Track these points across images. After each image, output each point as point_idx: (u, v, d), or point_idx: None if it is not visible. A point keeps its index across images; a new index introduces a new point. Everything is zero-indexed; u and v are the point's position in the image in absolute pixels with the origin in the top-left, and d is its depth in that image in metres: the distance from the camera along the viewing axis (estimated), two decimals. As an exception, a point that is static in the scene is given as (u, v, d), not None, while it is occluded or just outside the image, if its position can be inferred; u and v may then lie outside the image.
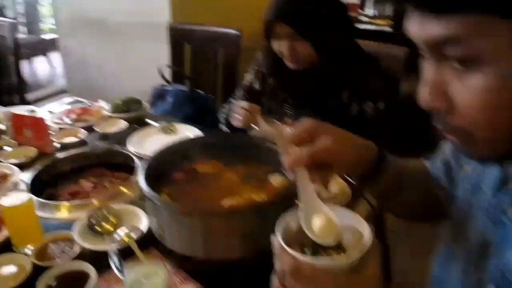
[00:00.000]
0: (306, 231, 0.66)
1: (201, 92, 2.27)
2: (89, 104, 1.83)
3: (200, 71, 2.40)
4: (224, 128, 1.67)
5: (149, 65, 2.96)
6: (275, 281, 0.66)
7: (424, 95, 0.56)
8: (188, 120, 1.97)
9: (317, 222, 0.67)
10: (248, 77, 1.73)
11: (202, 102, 2.25)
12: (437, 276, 0.85)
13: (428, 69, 0.56)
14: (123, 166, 1.49)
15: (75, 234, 1.06)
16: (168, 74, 2.40)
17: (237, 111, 1.49)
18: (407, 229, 1.55)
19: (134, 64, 3.09)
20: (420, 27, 0.53)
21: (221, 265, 0.95)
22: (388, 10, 4.34)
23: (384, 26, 3.76)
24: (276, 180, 1.06)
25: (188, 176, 1.10)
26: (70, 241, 1.06)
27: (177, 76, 2.43)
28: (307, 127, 0.74)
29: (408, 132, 1.81)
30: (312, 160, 0.71)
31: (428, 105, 0.56)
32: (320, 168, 0.73)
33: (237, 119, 1.49)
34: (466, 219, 0.75)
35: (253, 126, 1.45)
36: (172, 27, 2.44)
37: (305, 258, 0.62)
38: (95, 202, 1.20)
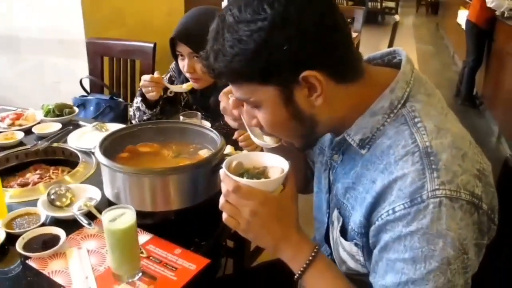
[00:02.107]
0: (244, 164, 0.95)
1: (121, 99, 2.50)
2: (21, 110, 1.98)
3: (118, 82, 2.62)
4: (137, 104, 1.88)
5: (64, 79, 3.12)
6: (221, 199, 0.89)
7: (245, 118, 0.97)
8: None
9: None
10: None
11: (123, 108, 2.48)
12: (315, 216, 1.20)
13: (244, 104, 0.93)
14: (63, 161, 1.69)
15: (38, 206, 1.27)
16: (87, 85, 2.59)
17: (145, 84, 1.73)
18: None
19: (50, 79, 3.20)
20: (231, 89, 0.92)
21: (166, 216, 1.23)
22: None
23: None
24: (204, 153, 1.36)
25: (132, 155, 1.36)
26: (34, 215, 1.26)
27: (97, 87, 2.63)
28: None
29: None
30: None
31: (248, 124, 0.97)
32: None
33: (150, 92, 1.73)
34: (317, 173, 1.12)
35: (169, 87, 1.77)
36: (90, 42, 2.64)
37: (243, 179, 0.89)
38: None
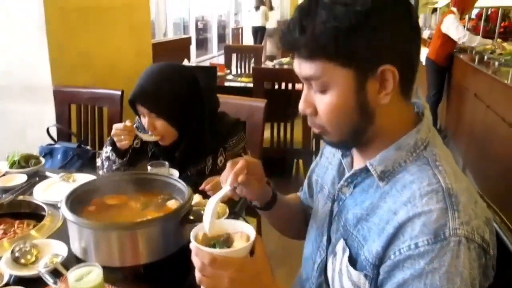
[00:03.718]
0: (208, 232, 0.98)
1: (89, 147, 2.48)
2: (-16, 163, 1.95)
3: (86, 129, 2.61)
4: (106, 153, 1.88)
5: (30, 127, 3.08)
6: (197, 274, 0.88)
7: (301, 106, 0.94)
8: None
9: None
10: None
11: (91, 156, 2.46)
12: (303, 253, 1.23)
13: (304, 90, 0.94)
14: (29, 215, 1.66)
15: (1, 265, 1.24)
16: (54, 133, 2.57)
17: (117, 133, 1.74)
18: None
19: (14, 126, 3.15)
20: (298, 66, 0.91)
21: (134, 270, 1.22)
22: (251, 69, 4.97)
23: (247, 82, 4.31)
24: (172, 204, 1.36)
25: (99, 208, 1.35)
26: (-3, 274, 1.23)
27: (64, 134, 2.61)
28: (248, 160, 1.09)
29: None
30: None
31: (303, 112, 0.94)
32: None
33: (123, 141, 1.73)
34: (316, 209, 1.17)
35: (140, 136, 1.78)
36: (56, 90, 2.64)
37: (217, 250, 0.91)
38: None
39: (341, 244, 1.00)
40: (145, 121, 1.73)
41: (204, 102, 1.77)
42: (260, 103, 2.25)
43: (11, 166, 1.90)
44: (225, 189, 1.05)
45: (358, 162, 1.03)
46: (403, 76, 0.88)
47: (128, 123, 1.75)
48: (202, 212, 1.27)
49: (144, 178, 1.46)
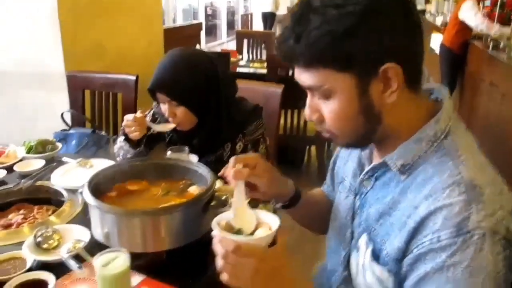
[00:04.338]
0: (234, 224, 0.97)
1: (104, 133, 2.47)
2: (1, 147, 1.94)
3: (100, 115, 2.60)
4: (120, 142, 1.87)
5: (43, 114, 3.07)
6: (220, 261, 0.89)
7: (306, 113, 0.94)
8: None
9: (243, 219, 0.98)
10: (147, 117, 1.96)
11: (106, 142, 2.45)
12: (327, 246, 1.21)
13: (308, 97, 0.93)
14: (48, 200, 1.65)
15: (24, 250, 1.23)
16: (68, 119, 2.56)
17: (128, 124, 1.72)
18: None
19: (26, 113, 3.15)
20: (298, 76, 0.90)
21: (157, 256, 1.20)
22: (264, 55, 4.93)
23: (259, 68, 4.28)
24: (194, 190, 1.34)
25: (120, 194, 1.34)
26: (19, 259, 1.22)
27: (78, 121, 2.60)
28: (254, 157, 1.10)
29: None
30: (248, 179, 1.05)
31: (309, 119, 0.95)
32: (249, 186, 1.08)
33: (133, 132, 1.71)
34: (339, 201, 1.15)
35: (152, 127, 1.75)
36: (70, 75, 2.62)
37: (240, 237, 0.91)
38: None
39: (364, 238, 0.99)
40: (164, 108, 1.72)
41: (222, 88, 1.74)
42: (277, 89, 2.22)
43: (28, 152, 1.89)
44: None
45: (377, 156, 1.02)
46: (408, 71, 0.85)
47: (139, 114, 1.73)
48: (222, 198, 1.28)
49: (165, 164, 1.44)
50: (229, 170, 1.06)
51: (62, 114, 2.46)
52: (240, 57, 4.94)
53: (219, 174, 1.57)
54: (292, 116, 3.58)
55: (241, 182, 1.04)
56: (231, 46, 5.79)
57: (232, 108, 1.78)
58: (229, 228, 0.97)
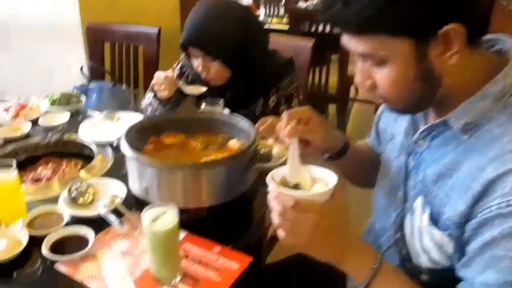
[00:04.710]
0: (290, 180, 0.90)
1: (124, 86, 2.39)
2: (24, 100, 1.87)
3: (121, 68, 2.51)
4: (149, 99, 1.79)
5: (59, 68, 2.99)
6: (276, 218, 0.84)
7: (357, 79, 0.88)
8: None
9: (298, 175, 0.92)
10: (174, 71, 1.87)
11: (127, 95, 2.38)
12: (374, 204, 1.15)
13: (359, 62, 0.86)
14: (75, 155, 1.60)
15: (60, 205, 1.17)
16: (87, 73, 2.47)
17: (159, 81, 1.64)
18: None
19: (42, 67, 3.06)
20: (347, 43, 0.82)
21: (198, 213, 1.15)
22: (281, 10, 4.75)
23: (279, 24, 4.12)
24: (234, 144, 1.27)
25: (157, 147, 1.27)
26: (55, 214, 1.17)
27: (97, 74, 2.51)
28: (307, 111, 1.03)
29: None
30: (303, 135, 1.00)
31: (360, 86, 0.88)
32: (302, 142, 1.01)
33: (163, 91, 1.64)
34: (388, 159, 1.08)
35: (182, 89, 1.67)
36: (89, 27, 2.52)
37: (299, 192, 0.85)
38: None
39: (419, 201, 0.92)
40: (197, 63, 1.63)
41: (257, 38, 1.65)
42: (307, 43, 2.11)
43: (52, 105, 1.82)
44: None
45: (434, 114, 0.94)
46: (471, 28, 0.77)
47: (170, 73, 1.64)
48: (261, 152, 1.21)
49: (203, 117, 1.37)
50: (283, 127, 0.99)
51: (81, 67, 2.37)
52: (258, 12, 4.76)
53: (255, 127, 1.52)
54: (313, 73, 3.47)
55: (295, 139, 0.97)
56: (245, 0, 5.55)
57: (266, 60, 1.69)
58: (285, 184, 0.90)
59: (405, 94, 0.84)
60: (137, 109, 2.47)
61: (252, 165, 1.16)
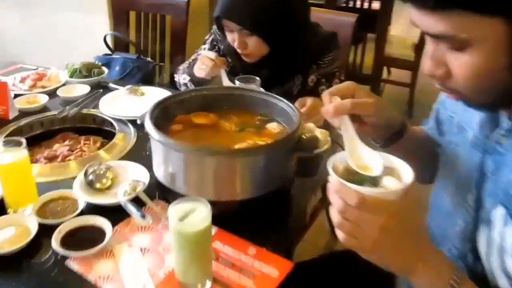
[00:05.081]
0: (354, 167, 0.74)
1: (149, 59, 2.24)
2: (43, 69, 1.73)
3: (146, 39, 2.35)
4: (184, 80, 1.65)
5: (82, 37, 2.85)
6: (335, 216, 0.69)
7: (427, 66, 0.71)
8: None
9: (362, 161, 0.75)
10: (205, 48, 1.70)
11: (151, 69, 2.23)
12: (432, 205, 0.98)
13: (429, 45, 0.70)
14: (95, 130, 1.46)
15: (75, 190, 1.04)
16: (111, 43, 2.32)
17: (204, 61, 1.48)
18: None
19: (64, 37, 2.93)
20: (419, 21, 0.67)
21: (230, 206, 0.99)
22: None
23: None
24: (273, 127, 1.11)
25: (186, 127, 1.11)
26: (69, 199, 1.03)
27: (121, 45, 2.36)
28: (349, 85, 0.86)
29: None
30: (353, 110, 0.81)
31: (430, 74, 0.71)
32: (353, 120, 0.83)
33: (203, 69, 1.48)
34: (454, 154, 0.90)
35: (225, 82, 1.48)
36: (114, -6, 2.35)
37: (366, 189, 0.68)
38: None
39: (500, 212, 0.75)
40: (232, 37, 1.46)
41: (298, 9, 1.47)
42: (349, 18, 1.92)
43: (72, 75, 1.68)
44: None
45: None
46: None
47: (216, 57, 1.48)
48: (305, 136, 1.04)
49: (238, 93, 1.20)
50: (326, 106, 0.83)
51: (105, 37, 2.23)
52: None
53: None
54: (348, 52, 3.26)
55: (346, 118, 0.81)
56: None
57: (307, 34, 1.51)
58: (348, 174, 0.74)
59: (488, 87, 0.68)
60: (162, 83, 2.36)
61: (294, 154, 1.00)
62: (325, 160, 0.75)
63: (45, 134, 1.44)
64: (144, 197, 1.00)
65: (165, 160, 0.99)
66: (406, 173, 0.72)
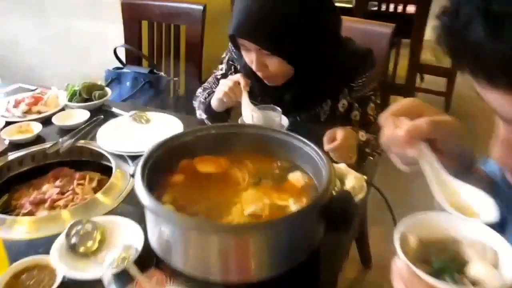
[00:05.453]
0: (453, 212, 0.56)
1: (163, 73, 2.06)
2: (39, 92, 1.56)
3: (159, 51, 2.16)
4: (201, 116, 1.46)
5: (95, 47, 2.70)
6: None
7: (498, 153, 0.54)
8: (150, 106, 1.77)
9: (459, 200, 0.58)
10: (221, 68, 1.50)
11: (165, 84, 2.05)
12: None
13: (501, 128, 0.53)
14: (91, 165, 1.28)
15: (53, 258, 0.85)
16: (122, 55, 2.15)
17: (227, 83, 1.28)
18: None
19: (78, 46, 2.79)
20: (482, 94, 0.50)
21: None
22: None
23: (341, 2, 3.66)
24: (297, 179, 0.90)
25: (188, 178, 0.91)
26: (46, 269, 0.84)
27: (133, 57, 2.18)
28: (415, 102, 0.67)
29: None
30: (432, 132, 0.62)
31: (501, 164, 0.56)
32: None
33: (225, 92, 1.28)
34: None
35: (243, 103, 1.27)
36: (126, 3, 2.17)
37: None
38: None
39: None
40: (250, 58, 1.24)
41: (327, 23, 1.25)
42: (385, 29, 1.68)
43: (71, 99, 1.50)
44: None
45: None
46: None
47: (240, 79, 1.27)
48: (334, 192, 0.83)
49: (254, 133, 0.98)
50: (393, 132, 0.64)
51: (115, 50, 2.06)
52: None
53: (325, 147, 1.14)
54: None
55: (423, 145, 0.62)
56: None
57: (338, 52, 1.29)
58: (424, 250, 0.55)
59: None
60: (177, 98, 2.18)
61: (324, 218, 0.79)
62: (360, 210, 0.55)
63: (37, 169, 1.26)
64: (134, 270, 0.80)
65: (159, 231, 0.79)
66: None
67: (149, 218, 0.79)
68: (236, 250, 0.73)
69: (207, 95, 1.46)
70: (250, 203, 0.82)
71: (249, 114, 1.20)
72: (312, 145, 0.90)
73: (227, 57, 1.45)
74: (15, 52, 3.00)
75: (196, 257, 0.76)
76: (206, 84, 1.54)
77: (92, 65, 2.24)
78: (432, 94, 3.36)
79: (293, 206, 0.82)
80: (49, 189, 1.16)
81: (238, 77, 1.26)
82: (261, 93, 1.35)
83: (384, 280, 0.54)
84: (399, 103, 0.67)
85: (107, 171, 1.22)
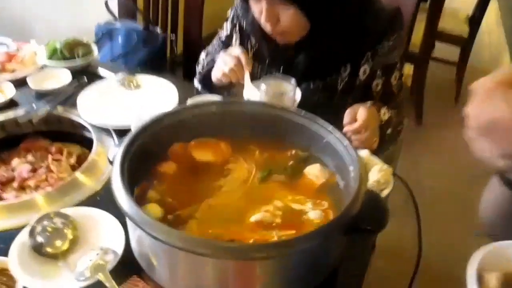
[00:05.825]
0: None
1: (159, 30, 1.87)
2: (16, 47, 1.36)
3: (156, 5, 1.95)
4: (198, 85, 1.28)
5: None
6: None
7: None
8: (143, 66, 1.63)
9: None
10: (226, 28, 1.30)
11: (161, 42, 1.86)
12: None
13: None
14: (71, 136, 1.11)
15: (13, 262, 0.69)
16: (115, 8, 1.95)
17: (227, 60, 1.11)
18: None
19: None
20: None
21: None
22: None
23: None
24: (315, 174, 0.73)
25: (182, 167, 0.74)
26: (6, 274, 0.69)
27: (127, 11, 1.98)
28: None
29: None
30: None
31: None
32: None
33: (224, 73, 1.11)
34: None
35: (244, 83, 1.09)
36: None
37: None
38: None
39: None
40: (259, 9, 1.04)
41: None
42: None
43: (51, 56, 1.30)
44: None
45: None
46: None
47: (241, 55, 1.09)
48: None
49: (265, 113, 0.80)
50: (500, 115, 0.48)
51: (106, 2, 1.86)
52: None
53: (344, 128, 0.97)
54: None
55: None
56: None
57: (363, 7, 1.10)
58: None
59: None
60: (173, 59, 1.98)
61: (351, 230, 0.62)
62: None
63: (6, 139, 1.09)
64: (110, 283, 0.64)
65: (141, 243, 0.63)
66: None
67: (130, 225, 0.63)
68: (238, 277, 0.57)
69: (210, 60, 1.26)
70: (257, 206, 0.66)
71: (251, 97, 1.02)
72: (338, 132, 0.73)
73: (232, 15, 1.25)
74: (6, 4, 2.78)
75: (185, 281, 0.60)
76: (209, 47, 1.34)
77: (85, 17, 2.03)
78: (446, 63, 3.17)
79: (312, 213, 0.65)
80: (19, 165, 0.99)
81: (238, 52, 1.08)
82: (270, 55, 1.16)
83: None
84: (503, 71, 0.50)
85: (89, 143, 1.05)
